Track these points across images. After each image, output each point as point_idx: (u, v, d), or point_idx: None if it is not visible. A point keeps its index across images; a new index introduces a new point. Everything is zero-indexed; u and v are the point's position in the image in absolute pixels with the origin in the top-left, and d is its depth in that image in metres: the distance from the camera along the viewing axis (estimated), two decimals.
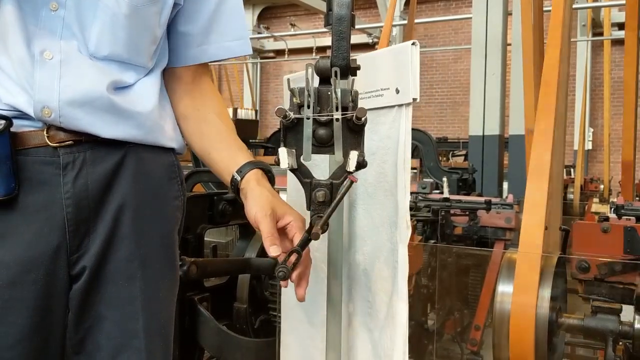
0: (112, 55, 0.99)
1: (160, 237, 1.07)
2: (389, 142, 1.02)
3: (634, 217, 2.24)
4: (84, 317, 0.99)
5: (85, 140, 0.97)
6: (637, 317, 1.40)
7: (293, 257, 0.89)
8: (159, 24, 1.04)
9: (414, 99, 0.94)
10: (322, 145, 0.88)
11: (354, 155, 0.86)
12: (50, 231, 0.95)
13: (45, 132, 0.95)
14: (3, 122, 0.90)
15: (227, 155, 1.07)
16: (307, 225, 0.93)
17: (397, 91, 0.98)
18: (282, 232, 0.97)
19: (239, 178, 1.02)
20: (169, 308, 1.10)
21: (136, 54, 1.02)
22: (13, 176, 0.92)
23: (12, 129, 0.92)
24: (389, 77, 1.00)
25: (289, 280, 0.92)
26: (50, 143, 0.95)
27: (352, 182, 0.88)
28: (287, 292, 1.31)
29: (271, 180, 1.06)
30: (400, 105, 0.99)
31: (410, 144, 0.98)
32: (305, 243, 0.91)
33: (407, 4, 11.04)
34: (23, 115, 0.95)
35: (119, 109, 0.99)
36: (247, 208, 0.98)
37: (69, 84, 0.95)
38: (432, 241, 2.65)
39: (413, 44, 0.93)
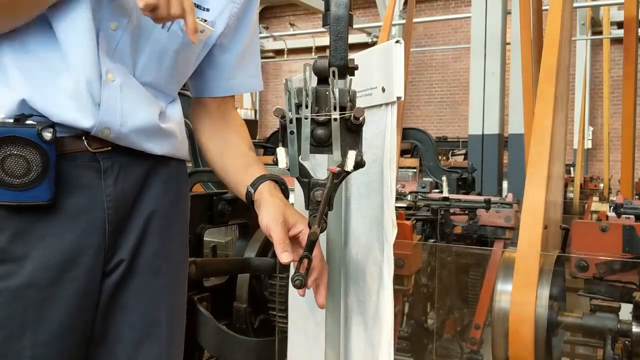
0: (152, 83, 1.05)
1: (180, 235, 1.15)
2: (377, 141, 1.02)
3: (633, 216, 2.25)
4: (111, 309, 1.04)
5: (120, 147, 1.02)
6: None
7: (305, 263, 0.90)
8: (196, 61, 1.13)
9: (398, 98, 0.94)
10: (321, 145, 0.88)
11: (351, 155, 0.86)
12: (92, 231, 0.99)
13: (84, 138, 0.98)
14: (51, 129, 0.93)
15: (242, 171, 1.13)
16: None
17: (383, 90, 0.98)
18: (294, 240, 0.99)
19: (252, 190, 1.07)
20: (184, 301, 1.18)
21: (171, 84, 1.10)
22: (55, 181, 0.95)
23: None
24: (377, 76, 1.00)
25: (310, 284, 0.95)
26: (89, 149, 0.98)
27: (333, 174, 0.88)
28: (294, 291, 1.32)
29: (284, 192, 1.10)
30: (386, 104, 0.99)
31: (395, 143, 0.97)
32: (311, 246, 0.91)
33: (406, 3, 11.04)
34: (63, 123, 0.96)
35: (163, 132, 1.07)
36: (259, 217, 1.01)
37: (130, 111, 1.00)
38: (432, 240, 2.65)
39: (397, 42, 0.92)
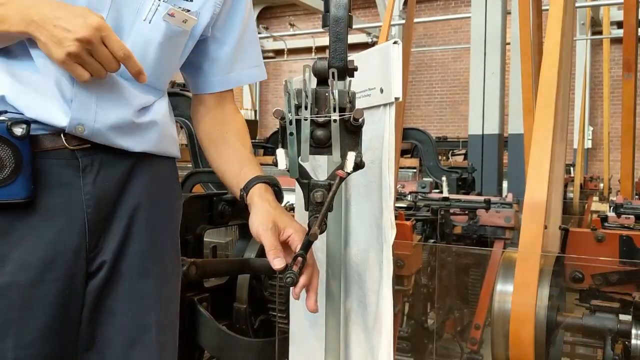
0: None
1: (169, 235, 1.13)
2: (376, 142, 1.02)
3: (633, 216, 2.25)
4: (98, 312, 1.03)
5: (101, 143, 1.00)
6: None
7: (299, 262, 0.90)
8: (182, 53, 1.11)
9: (397, 99, 0.94)
10: (320, 146, 0.89)
11: (351, 156, 0.87)
12: (71, 231, 0.98)
13: (62, 135, 0.97)
14: (24, 125, 0.92)
15: (236, 172, 1.12)
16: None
17: (382, 91, 0.98)
18: (285, 245, 0.99)
19: (244, 194, 1.06)
20: (176, 304, 1.16)
21: (158, 79, 1.08)
22: (31, 179, 0.94)
23: (30, 133, 0.94)
24: (375, 77, 1.00)
25: (298, 289, 0.94)
26: (68, 146, 0.98)
27: (341, 178, 0.88)
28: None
29: (277, 193, 1.09)
30: (385, 105, 0.99)
31: (394, 144, 0.97)
32: (306, 246, 0.91)
33: (406, 3, 11.04)
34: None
35: (142, 129, 1.05)
36: (249, 223, 1.01)
37: (104, 109, 0.99)
38: (432, 240, 2.65)
39: (395, 42, 0.93)
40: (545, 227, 1.42)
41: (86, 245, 1.00)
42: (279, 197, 1.08)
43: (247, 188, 1.06)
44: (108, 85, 0.99)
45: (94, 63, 0.90)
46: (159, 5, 1.01)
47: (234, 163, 1.15)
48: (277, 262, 0.93)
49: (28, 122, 0.93)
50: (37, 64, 0.95)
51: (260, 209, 1.01)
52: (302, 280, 0.95)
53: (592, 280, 1.66)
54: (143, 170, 1.06)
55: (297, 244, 0.96)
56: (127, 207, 1.04)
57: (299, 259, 0.90)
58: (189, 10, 1.04)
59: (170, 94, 1.45)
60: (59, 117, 0.96)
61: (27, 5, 0.89)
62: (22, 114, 0.94)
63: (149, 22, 1.01)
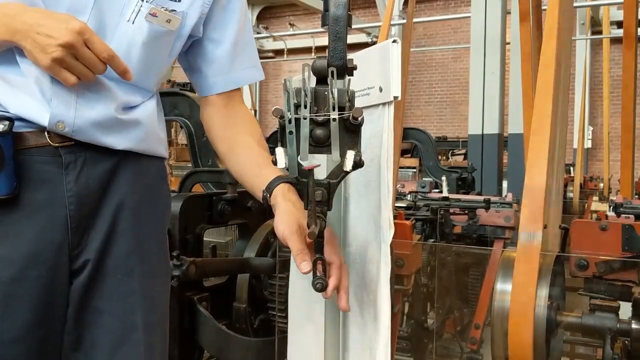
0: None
1: (155, 234, 1.12)
2: (375, 140, 1.02)
3: (632, 216, 2.25)
4: (83, 312, 1.02)
5: (84, 141, 1.00)
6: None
7: (320, 265, 0.90)
8: (170, 53, 1.11)
9: (395, 97, 0.94)
10: (319, 145, 0.89)
11: (350, 155, 0.87)
12: (53, 228, 0.98)
13: (46, 133, 0.98)
14: (7, 122, 0.93)
15: (257, 174, 1.11)
16: (330, 234, 0.94)
17: (381, 89, 0.99)
18: (311, 246, 0.97)
19: (268, 195, 1.05)
20: (165, 303, 1.14)
21: (145, 79, 1.07)
22: (14, 175, 0.94)
23: (13, 129, 0.94)
24: (374, 76, 1.01)
25: (329, 292, 0.93)
26: (52, 143, 0.98)
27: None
28: (293, 291, 1.32)
29: (299, 192, 1.07)
30: (384, 104, 0.99)
31: (392, 143, 0.98)
32: (318, 246, 0.91)
33: (406, 3, 11.04)
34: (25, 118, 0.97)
35: (126, 126, 1.04)
36: (274, 225, 1.00)
37: (84, 105, 0.99)
38: (432, 240, 2.65)
39: (394, 41, 0.93)
40: (545, 227, 1.42)
41: (69, 242, 0.99)
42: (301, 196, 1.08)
43: (269, 189, 1.05)
44: (90, 83, 0.99)
45: (80, 66, 0.93)
46: (141, 6, 1.01)
47: (253, 164, 1.14)
48: (304, 266, 0.91)
49: (11, 119, 0.94)
50: (20, 65, 0.96)
51: (284, 211, 0.99)
52: (332, 282, 0.93)
53: (596, 268, 1.68)
54: (128, 169, 1.06)
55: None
56: (112, 204, 1.03)
57: (319, 262, 0.90)
58: (174, 10, 1.05)
59: (170, 94, 1.46)
60: (40, 114, 0.96)
61: (12, 14, 0.91)
62: (6, 111, 0.95)
63: (132, 23, 1.01)
